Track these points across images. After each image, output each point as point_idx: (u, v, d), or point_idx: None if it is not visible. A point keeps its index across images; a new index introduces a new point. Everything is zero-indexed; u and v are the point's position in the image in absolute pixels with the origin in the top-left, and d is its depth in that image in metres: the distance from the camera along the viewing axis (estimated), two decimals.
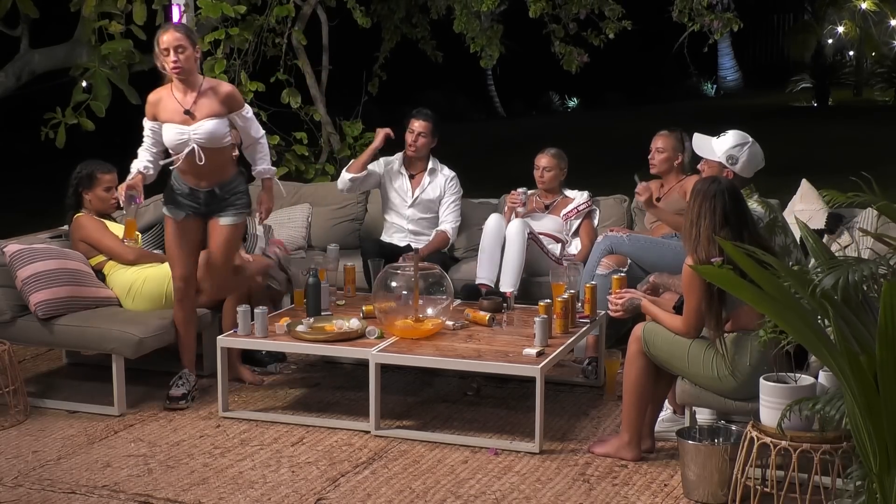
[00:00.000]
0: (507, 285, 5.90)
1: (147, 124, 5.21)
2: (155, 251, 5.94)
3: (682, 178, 6.00)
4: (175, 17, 7.41)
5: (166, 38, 5.09)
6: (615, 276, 5.14)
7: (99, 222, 5.66)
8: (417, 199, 6.56)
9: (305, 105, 8.27)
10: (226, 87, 5.27)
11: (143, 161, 5.21)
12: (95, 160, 5.75)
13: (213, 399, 5.31)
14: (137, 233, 5.52)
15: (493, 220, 6.15)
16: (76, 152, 7.20)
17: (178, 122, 5.11)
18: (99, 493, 4.36)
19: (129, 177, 5.14)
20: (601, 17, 8.41)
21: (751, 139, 5.14)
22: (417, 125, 6.49)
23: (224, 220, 5.27)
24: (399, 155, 6.66)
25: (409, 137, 6.53)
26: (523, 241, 6.01)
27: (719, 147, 5.11)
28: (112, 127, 15.61)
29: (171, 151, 5.20)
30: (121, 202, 5.16)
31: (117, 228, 5.73)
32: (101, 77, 7.49)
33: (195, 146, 5.10)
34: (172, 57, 5.05)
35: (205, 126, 5.10)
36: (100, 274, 5.65)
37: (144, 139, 5.23)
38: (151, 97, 5.21)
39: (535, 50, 11.74)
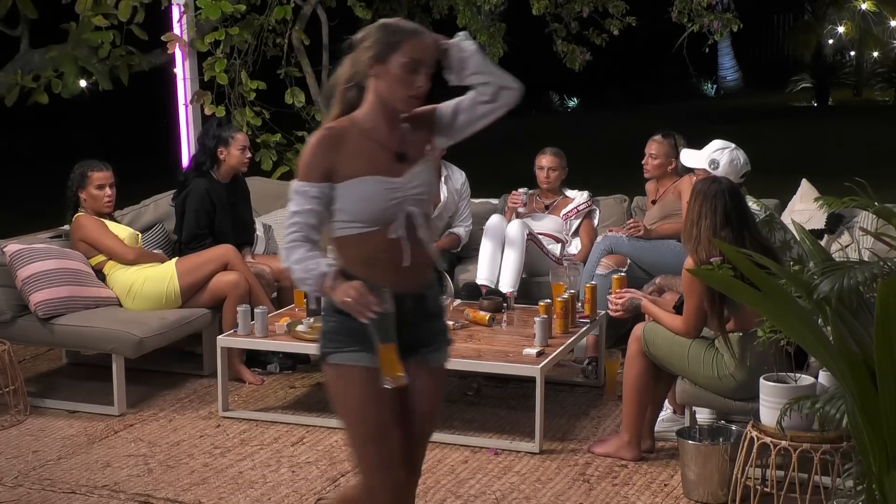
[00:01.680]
0: (507, 285, 5.91)
1: (310, 191, 2.93)
2: (155, 251, 5.95)
3: (676, 181, 6.04)
4: (175, 17, 7.41)
5: (421, 47, 2.96)
6: (615, 276, 5.15)
7: (99, 222, 5.66)
8: (438, 212, 6.46)
9: (307, 105, 8.28)
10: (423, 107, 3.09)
11: (323, 259, 2.93)
12: (90, 160, 5.75)
13: (213, 399, 5.31)
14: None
15: (493, 221, 6.16)
16: (76, 152, 7.21)
17: (385, 174, 2.96)
18: (99, 493, 4.36)
19: (327, 283, 2.89)
20: (604, 16, 8.40)
21: (732, 145, 5.27)
22: None
23: (438, 359, 3.12)
24: None
25: None
26: (523, 241, 6.02)
27: (703, 154, 5.24)
28: (111, 127, 15.67)
29: (360, 228, 2.96)
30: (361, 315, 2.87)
31: (117, 228, 5.73)
32: (68, 57, 7.40)
33: (413, 211, 2.99)
34: (420, 81, 2.95)
35: (420, 175, 3.02)
36: (100, 274, 5.65)
37: (302, 220, 2.92)
38: (318, 141, 2.95)
39: (535, 49, 11.75)
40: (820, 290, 3.12)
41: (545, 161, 6.44)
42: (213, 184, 5.94)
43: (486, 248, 6.08)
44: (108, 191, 5.68)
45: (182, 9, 7.35)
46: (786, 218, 5.43)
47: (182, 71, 7.47)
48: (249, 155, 6.12)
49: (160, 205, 6.51)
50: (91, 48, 7.46)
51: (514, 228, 6.06)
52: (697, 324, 4.30)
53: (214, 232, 5.93)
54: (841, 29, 22.44)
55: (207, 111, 7.49)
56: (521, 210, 6.38)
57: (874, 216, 5.64)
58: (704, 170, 5.21)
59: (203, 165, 5.96)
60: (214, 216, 5.93)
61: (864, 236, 5.10)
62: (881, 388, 3.05)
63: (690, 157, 5.35)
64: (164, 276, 5.58)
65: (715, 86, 27.24)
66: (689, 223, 4.31)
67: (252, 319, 5.18)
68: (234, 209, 6.05)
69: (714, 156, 5.21)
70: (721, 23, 8.04)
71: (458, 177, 6.56)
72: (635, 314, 4.78)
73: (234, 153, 5.97)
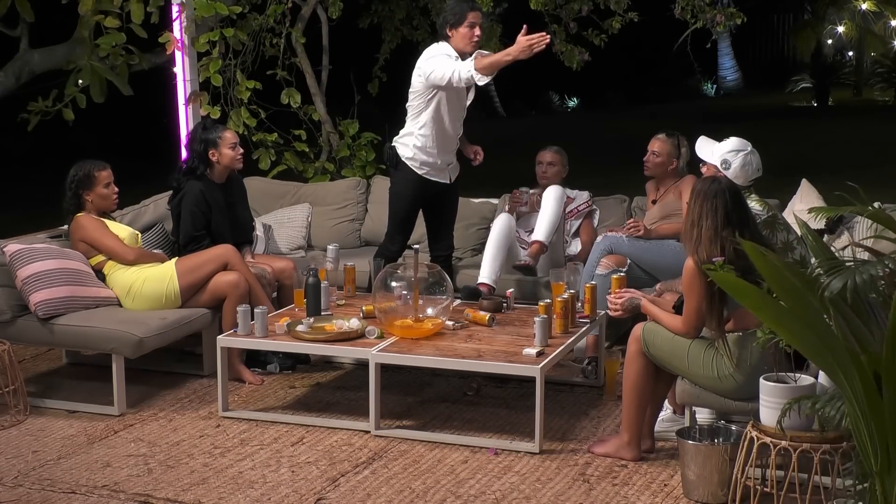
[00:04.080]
0: (485, 277, 5.93)
1: None
2: (155, 251, 5.94)
3: (677, 181, 6.03)
4: (174, 15, 7.41)
5: None
6: (615, 276, 5.13)
7: (99, 222, 5.65)
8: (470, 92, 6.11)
9: (305, 104, 8.28)
10: None
11: None
12: (87, 160, 5.73)
13: (213, 399, 5.31)
14: None
15: (500, 220, 6.14)
16: (77, 151, 7.20)
17: None
18: (99, 493, 4.36)
19: None
20: (604, 15, 8.38)
21: (749, 147, 5.19)
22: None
23: None
24: (447, 49, 5.83)
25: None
26: (508, 234, 6.04)
27: (717, 150, 5.18)
28: (111, 127, 15.65)
29: None
30: None
31: (117, 228, 5.73)
32: (86, 70, 7.42)
33: None
34: None
35: None
36: (100, 274, 5.65)
37: None
38: None
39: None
40: (832, 287, 3.11)
41: (546, 157, 6.45)
42: (207, 185, 5.93)
43: (489, 248, 6.07)
44: (114, 187, 5.71)
45: (180, 7, 7.34)
46: (786, 218, 5.42)
47: (182, 71, 7.47)
48: (242, 151, 6.09)
49: (160, 205, 6.51)
50: (93, 48, 7.47)
51: (500, 222, 6.09)
52: (697, 324, 4.30)
53: (211, 233, 5.92)
54: (841, 29, 22.42)
55: (203, 112, 7.48)
56: (522, 209, 6.39)
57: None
58: (716, 166, 5.17)
59: (197, 170, 5.94)
60: (210, 217, 5.92)
61: (866, 239, 5.10)
62: (886, 390, 3.05)
63: (705, 149, 5.26)
64: (163, 276, 5.58)
65: (715, 86, 27.25)
66: (689, 223, 4.30)
67: (252, 319, 5.17)
68: (230, 209, 6.03)
69: (727, 156, 5.15)
70: (725, 16, 8.01)
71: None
72: (635, 314, 4.78)
73: (226, 152, 5.94)
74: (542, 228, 6.10)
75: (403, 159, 5.97)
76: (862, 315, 3.28)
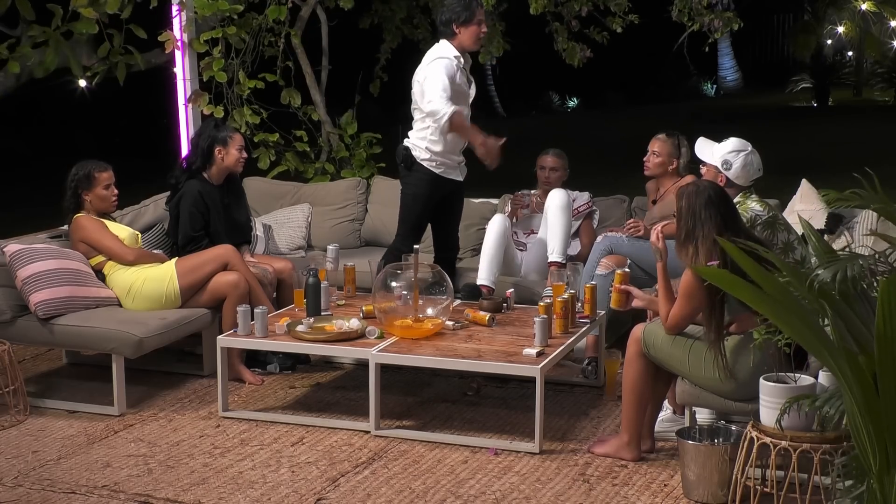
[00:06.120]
0: (483, 278, 5.91)
1: None
2: (155, 251, 5.94)
3: (677, 181, 6.03)
4: (173, 14, 7.41)
5: None
6: (619, 271, 5.09)
7: (98, 222, 5.66)
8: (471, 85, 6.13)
9: (304, 105, 8.28)
10: None
11: None
12: (89, 160, 5.74)
13: (213, 399, 5.32)
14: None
15: (496, 221, 6.14)
16: (76, 151, 7.19)
17: None
18: (99, 493, 4.36)
19: None
20: (605, 14, 8.38)
21: (750, 147, 5.19)
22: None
23: None
24: (449, 50, 5.86)
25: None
26: (504, 235, 6.02)
27: (718, 151, 5.17)
28: (111, 127, 15.66)
29: None
30: None
31: (117, 228, 5.73)
32: (50, 37, 7.34)
33: None
34: None
35: None
36: (100, 274, 5.65)
37: None
38: None
39: (536, 49, 11.75)
40: (821, 278, 3.11)
41: (548, 162, 6.44)
42: (205, 185, 5.93)
43: (487, 248, 6.06)
44: (114, 189, 5.71)
45: (180, 7, 7.33)
46: (787, 217, 5.42)
47: (182, 70, 7.47)
48: (246, 155, 6.11)
49: (160, 205, 6.51)
50: (89, 46, 7.45)
51: (496, 222, 6.07)
52: (683, 326, 4.31)
53: (209, 234, 5.92)
54: (841, 29, 22.41)
55: (205, 111, 7.47)
56: (524, 212, 6.39)
57: (874, 217, 5.67)
58: (716, 167, 5.17)
59: (193, 165, 5.95)
60: (209, 218, 5.91)
61: (866, 236, 5.10)
62: (881, 388, 3.05)
63: (705, 149, 5.26)
64: (163, 276, 5.58)
65: (715, 86, 27.25)
66: (683, 233, 4.26)
67: (252, 319, 5.17)
68: (227, 211, 6.03)
69: (728, 157, 5.15)
70: (721, 21, 8.02)
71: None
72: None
73: (233, 153, 5.95)
74: (556, 247, 5.97)
75: (419, 160, 5.94)
76: (859, 312, 3.28)
